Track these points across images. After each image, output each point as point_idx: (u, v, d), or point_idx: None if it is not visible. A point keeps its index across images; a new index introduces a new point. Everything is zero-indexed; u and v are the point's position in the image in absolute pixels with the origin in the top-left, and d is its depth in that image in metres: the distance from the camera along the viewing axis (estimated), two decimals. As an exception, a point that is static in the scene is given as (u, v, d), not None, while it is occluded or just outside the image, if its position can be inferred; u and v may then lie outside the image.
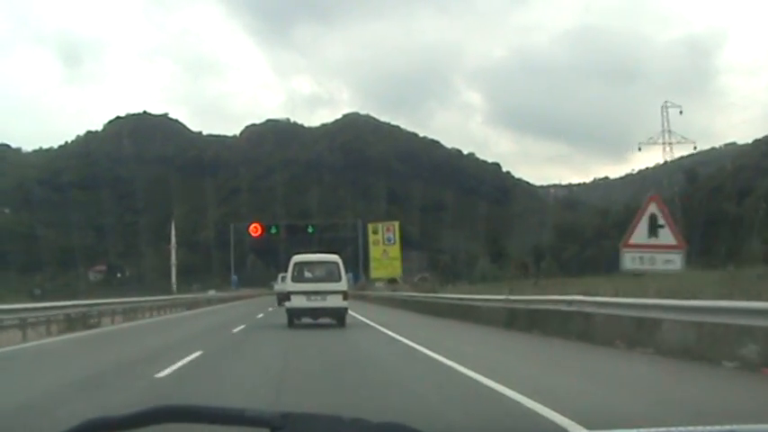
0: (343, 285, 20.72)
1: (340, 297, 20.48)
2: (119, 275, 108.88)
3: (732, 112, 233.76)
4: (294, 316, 20.95)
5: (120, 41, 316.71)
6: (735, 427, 1.67)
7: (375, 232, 73.36)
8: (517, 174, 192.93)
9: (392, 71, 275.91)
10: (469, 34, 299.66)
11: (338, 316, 20.94)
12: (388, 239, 72.24)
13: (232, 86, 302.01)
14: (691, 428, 1.78)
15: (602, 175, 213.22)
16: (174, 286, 77.99)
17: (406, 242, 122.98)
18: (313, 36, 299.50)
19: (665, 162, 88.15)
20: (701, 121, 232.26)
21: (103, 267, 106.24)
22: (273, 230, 74.26)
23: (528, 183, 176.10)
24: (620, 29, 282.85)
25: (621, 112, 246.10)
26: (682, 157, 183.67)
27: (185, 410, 1.42)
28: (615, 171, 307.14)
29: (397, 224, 76.18)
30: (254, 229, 74.02)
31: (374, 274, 72.11)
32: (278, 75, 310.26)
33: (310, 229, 73.77)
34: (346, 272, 22.77)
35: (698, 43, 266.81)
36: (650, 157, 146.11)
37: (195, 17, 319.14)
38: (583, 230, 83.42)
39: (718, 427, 1.70)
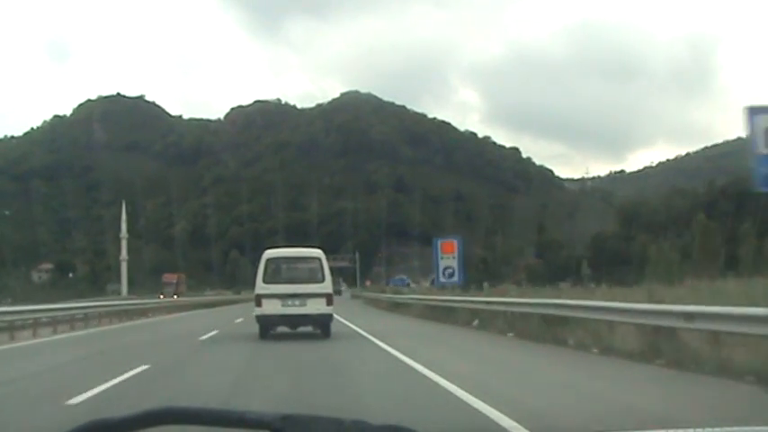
0: (326, 287, 16.73)
1: (323, 301, 16.62)
2: (70, 275, 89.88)
3: (734, 110, 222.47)
4: (267, 325, 16.78)
5: (96, 23, 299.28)
6: (735, 428, 1.70)
7: None
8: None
9: (386, 67, 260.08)
10: (466, 29, 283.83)
11: (321, 324, 16.92)
12: None
13: (219, 80, 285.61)
14: (690, 431, 1.77)
15: (617, 169, 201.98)
16: (125, 288, 58.59)
17: (410, 236, 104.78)
18: (305, 31, 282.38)
19: None
20: (702, 119, 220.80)
21: (49, 266, 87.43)
22: None
23: (551, 171, 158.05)
24: (621, 25, 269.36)
25: (621, 109, 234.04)
26: (705, 148, 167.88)
27: (185, 412, 1.37)
28: (615, 169, 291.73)
29: None
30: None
31: None
32: (270, 71, 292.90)
33: None
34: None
35: (700, 41, 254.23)
36: (654, 155, 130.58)
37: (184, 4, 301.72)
38: (653, 216, 65.42)
39: (718, 429, 1.71)
